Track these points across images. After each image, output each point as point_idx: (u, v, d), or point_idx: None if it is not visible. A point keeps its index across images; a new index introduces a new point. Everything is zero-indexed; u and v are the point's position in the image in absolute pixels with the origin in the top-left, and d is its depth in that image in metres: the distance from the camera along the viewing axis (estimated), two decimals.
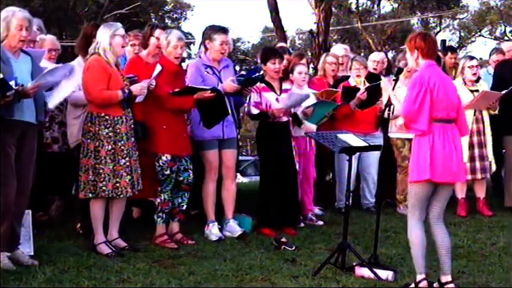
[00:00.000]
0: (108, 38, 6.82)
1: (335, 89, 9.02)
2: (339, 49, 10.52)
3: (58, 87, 6.59)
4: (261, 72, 8.01)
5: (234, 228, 7.76)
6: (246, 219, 8.10)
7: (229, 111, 7.55)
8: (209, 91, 7.26)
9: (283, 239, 7.35)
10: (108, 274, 6.08)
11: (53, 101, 6.71)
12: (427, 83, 5.55)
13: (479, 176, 9.25)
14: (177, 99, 7.19)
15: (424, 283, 5.61)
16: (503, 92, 9.12)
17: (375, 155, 9.35)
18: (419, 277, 5.64)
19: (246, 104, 8.29)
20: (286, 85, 8.33)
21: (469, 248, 7.32)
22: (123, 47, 7.04)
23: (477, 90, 9.23)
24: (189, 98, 7.22)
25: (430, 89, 5.53)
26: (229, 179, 7.95)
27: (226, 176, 7.93)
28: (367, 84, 9.11)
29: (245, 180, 15.84)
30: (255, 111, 8.11)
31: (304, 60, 9.59)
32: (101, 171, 6.71)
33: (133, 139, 6.91)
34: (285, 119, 8.19)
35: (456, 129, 5.69)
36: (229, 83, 7.63)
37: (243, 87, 7.78)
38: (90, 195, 6.76)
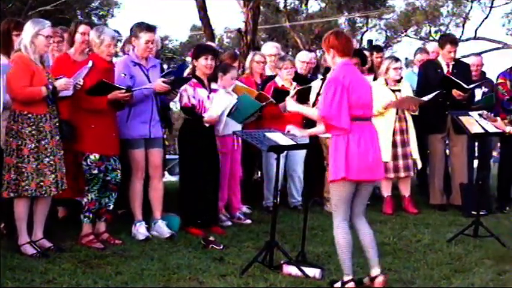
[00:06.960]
0: (30, 36, 6.67)
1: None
2: (270, 48, 10.39)
3: None
4: (188, 69, 7.93)
5: (162, 229, 7.69)
6: (174, 218, 8.04)
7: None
8: (124, 91, 7.17)
9: (211, 238, 7.34)
10: (32, 275, 5.98)
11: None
12: (342, 82, 5.59)
13: (402, 174, 9.41)
14: (92, 99, 7.04)
15: (351, 284, 5.66)
16: (426, 99, 9.21)
17: (301, 154, 9.44)
18: (346, 278, 5.68)
19: (179, 95, 8.08)
20: (214, 85, 8.25)
21: (395, 245, 7.44)
22: (47, 46, 6.89)
23: (399, 90, 9.43)
24: (103, 99, 7.09)
25: (346, 89, 5.57)
26: (156, 178, 7.89)
27: (153, 176, 7.87)
28: (294, 84, 9.14)
29: (173, 179, 15.75)
30: (193, 101, 7.99)
31: (236, 63, 9.53)
32: (24, 170, 6.57)
33: (57, 137, 6.79)
34: None
35: (374, 127, 5.76)
36: (159, 83, 7.55)
37: (173, 88, 7.72)
38: (12, 194, 6.61)
